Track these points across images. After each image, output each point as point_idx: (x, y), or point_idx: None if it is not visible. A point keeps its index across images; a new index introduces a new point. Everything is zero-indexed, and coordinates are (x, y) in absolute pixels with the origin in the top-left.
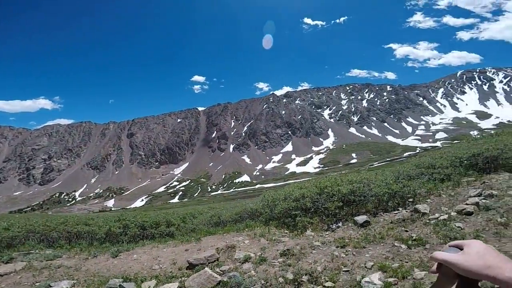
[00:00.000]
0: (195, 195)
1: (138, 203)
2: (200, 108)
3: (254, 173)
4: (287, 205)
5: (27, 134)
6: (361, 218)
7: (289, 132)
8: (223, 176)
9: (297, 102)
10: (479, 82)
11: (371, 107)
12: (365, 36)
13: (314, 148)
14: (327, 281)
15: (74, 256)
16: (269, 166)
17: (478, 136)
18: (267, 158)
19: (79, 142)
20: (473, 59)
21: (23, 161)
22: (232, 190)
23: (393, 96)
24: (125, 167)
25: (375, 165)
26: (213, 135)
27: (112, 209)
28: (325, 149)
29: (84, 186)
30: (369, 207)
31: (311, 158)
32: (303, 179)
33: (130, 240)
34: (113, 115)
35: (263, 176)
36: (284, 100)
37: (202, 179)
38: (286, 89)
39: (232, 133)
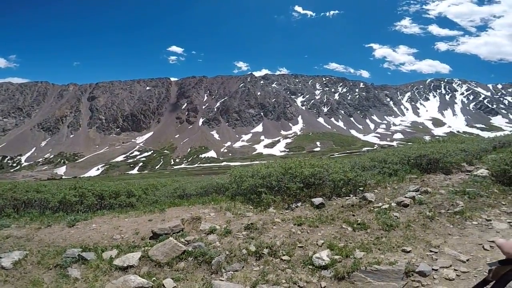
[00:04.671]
0: (156, 167)
1: (93, 172)
2: (172, 79)
3: (222, 150)
4: (254, 181)
5: None
6: (317, 200)
7: (262, 113)
8: (189, 149)
9: (273, 85)
10: (443, 92)
11: (342, 100)
12: (349, 33)
13: (283, 132)
14: (284, 254)
15: (24, 226)
16: (238, 144)
17: (428, 140)
18: (237, 136)
19: (32, 101)
20: (443, 69)
21: None
22: (196, 165)
23: (363, 93)
24: (82, 130)
25: (336, 155)
26: (183, 107)
27: (63, 177)
28: (293, 134)
29: (33, 150)
30: (326, 191)
31: (278, 141)
32: (268, 161)
33: (87, 210)
34: (76, 78)
35: (230, 154)
36: (261, 82)
37: (165, 151)
38: (264, 71)
39: (203, 107)
